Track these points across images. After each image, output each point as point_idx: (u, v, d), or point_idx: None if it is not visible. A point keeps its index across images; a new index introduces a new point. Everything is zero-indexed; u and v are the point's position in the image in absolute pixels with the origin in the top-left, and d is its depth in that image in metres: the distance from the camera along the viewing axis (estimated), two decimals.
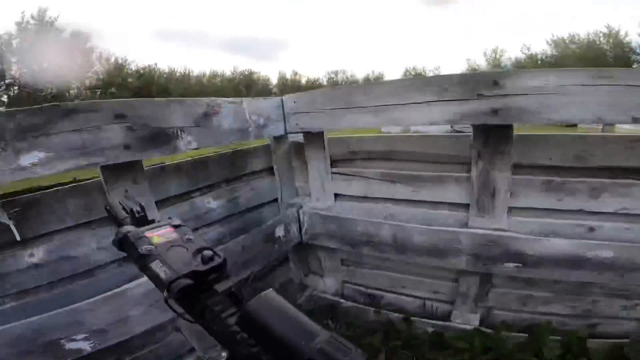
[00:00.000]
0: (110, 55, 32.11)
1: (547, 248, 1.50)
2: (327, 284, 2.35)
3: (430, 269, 1.92)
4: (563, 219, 1.64)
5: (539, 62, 35.55)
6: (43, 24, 26.91)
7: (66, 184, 1.37)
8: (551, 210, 1.65)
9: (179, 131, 1.47)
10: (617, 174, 1.51)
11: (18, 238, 1.23)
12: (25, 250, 1.27)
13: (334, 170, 2.14)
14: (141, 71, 34.59)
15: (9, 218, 1.20)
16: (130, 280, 1.38)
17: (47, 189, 1.31)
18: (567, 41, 33.26)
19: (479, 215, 1.73)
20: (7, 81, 25.87)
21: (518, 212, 1.71)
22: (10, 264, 1.25)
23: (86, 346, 1.24)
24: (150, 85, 34.22)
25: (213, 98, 1.62)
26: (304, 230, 2.13)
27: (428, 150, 1.84)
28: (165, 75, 36.08)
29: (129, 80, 32.32)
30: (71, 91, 28.35)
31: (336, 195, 2.20)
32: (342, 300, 2.16)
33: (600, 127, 10.14)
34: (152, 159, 1.51)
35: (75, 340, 1.21)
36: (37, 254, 1.29)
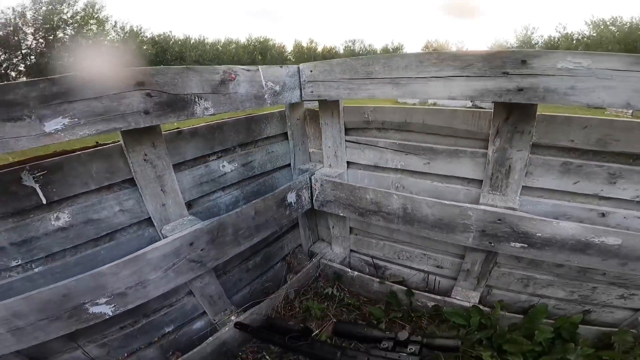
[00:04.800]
0: (125, 23, 31.85)
1: (555, 230, 1.49)
2: (335, 252, 2.42)
3: (436, 242, 1.94)
4: (576, 202, 1.63)
5: (574, 42, 33.41)
6: None
7: (87, 148, 1.40)
8: (565, 192, 1.63)
9: (196, 97, 1.48)
10: (638, 160, 1.48)
11: (44, 201, 1.28)
12: (51, 214, 1.33)
13: (348, 138, 2.14)
14: (156, 39, 34.15)
15: (35, 181, 1.25)
16: (148, 244, 1.44)
17: (70, 153, 1.35)
18: (607, 23, 30.95)
19: (490, 192, 1.73)
20: (23, 51, 25.93)
21: (531, 192, 1.70)
22: (37, 227, 1.30)
23: (107, 310, 1.32)
24: (165, 52, 33.90)
25: (230, 65, 1.61)
26: (315, 196, 2.16)
27: (445, 124, 1.81)
28: (179, 42, 35.52)
29: (144, 47, 32.01)
30: (86, 59, 28.29)
31: (348, 163, 2.22)
32: (348, 270, 2.22)
33: (630, 112, 9.70)
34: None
35: (98, 304, 1.29)
36: (62, 217, 1.35)
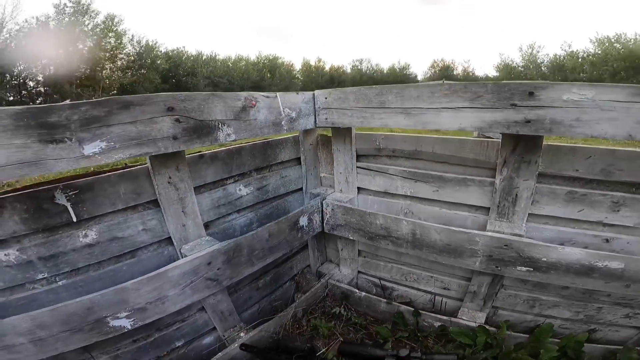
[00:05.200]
0: (141, 37, 32.82)
1: (560, 255, 1.54)
2: (343, 273, 2.46)
3: (443, 265, 1.99)
4: (580, 228, 1.68)
5: (580, 60, 33.69)
6: (79, 6, 27.50)
7: (117, 169, 1.48)
8: (570, 220, 1.68)
9: (220, 123, 1.55)
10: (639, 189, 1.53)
11: (74, 219, 1.35)
12: (80, 231, 1.39)
13: (359, 164, 2.21)
14: (170, 53, 35.09)
15: (67, 200, 1.32)
16: (168, 262, 1.51)
17: (100, 174, 1.43)
18: (612, 40, 31.27)
19: (498, 219, 1.78)
20: (43, 61, 26.72)
21: (537, 218, 1.75)
22: (65, 243, 1.36)
23: (127, 324, 1.36)
24: (178, 67, 34.74)
25: (250, 92, 1.68)
26: (325, 220, 2.22)
27: (454, 153, 1.88)
28: (192, 58, 36.42)
29: (158, 62, 32.85)
30: (104, 72, 29.05)
31: (359, 188, 2.28)
32: (356, 290, 2.25)
33: None
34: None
35: (118, 317, 1.33)
36: (90, 234, 1.42)
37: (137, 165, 1.53)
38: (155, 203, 1.57)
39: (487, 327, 1.82)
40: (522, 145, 1.59)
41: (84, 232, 1.40)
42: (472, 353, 1.74)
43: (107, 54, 29.00)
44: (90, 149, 1.18)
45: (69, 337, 1.22)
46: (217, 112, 1.54)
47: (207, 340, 1.88)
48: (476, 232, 1.71)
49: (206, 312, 1.81)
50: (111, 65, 29.96)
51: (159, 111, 1.34)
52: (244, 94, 1.66)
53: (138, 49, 31.80)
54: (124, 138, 1.26)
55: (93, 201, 1.39)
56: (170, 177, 1.55)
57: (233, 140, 1.62)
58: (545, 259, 1.57)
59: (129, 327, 1.36)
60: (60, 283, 1.39)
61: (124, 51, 30.68)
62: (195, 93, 1.46)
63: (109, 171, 1.46)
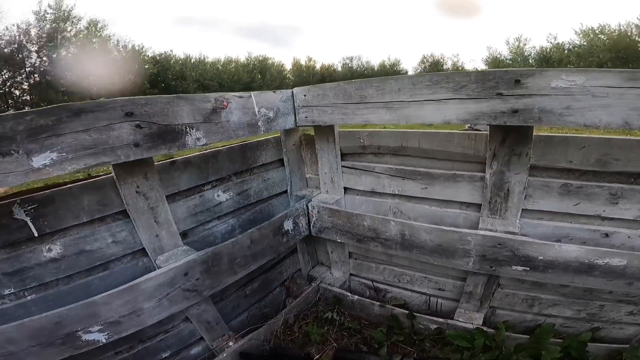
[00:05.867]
0: (126, 42, 32.46)
1: (557, 253, 1.46)
2: (334, 276, 2.38)
3: (436, 267, 1.90)
4: (578, 223, 1.60)
5: (566, 51, 33.93)
6: (60, 12, 27.13)
7: (79, 180, 1.40)
8: (566, 214, 1.60)
9: (187, 127, 1.47)
10: (639, 180, 1.45)
11: (35, 234, 1.28)
12: (43, 245, 1.32)
13: (344, 163, 2.13)
14: (157, 57, 34.76)
15: (26, 215, 1.25)
16: (145, 274, 1.42)
17: (61, 185, 1.34)
18: (596, 31, 31.53)
19: (490, 216, 1.70)
20: (27, 69, 26.38)
21: (531, 214, 1.67)
22: (29, 258, 1.29)
23: (101, 337, 1.29)
24: (166, 71, 34.46)
25: (221, 93, 1.61)
26: (312, 223, 2.14)
27: (441, 147, 1.80)
28: (180, 62, 36.10)
29: (146, 66, 32.54)
30: (90, 77, 28.76)
31: (345, 188, 2.20)
32: (348, 294, 2.18)
33: None
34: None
35: (91, 332, 1.26)
36: (54, 248, 1.34)
37: (101, 176, 1.44)
38: (124, 214, 1.49)
39: (485, 328, 1.74)
40: (512, 137, 1.52)
41: (47, 247, 1.33)
42: (470, 356, 1.67)
43: (93, 60, 28.64)
44: (40, 160, 1.10)
45: (40, 351, 1.17)
46: (183, 116, 1.45)
47: (195, 350, 1.81)
48: (467, 231, 1.64)
49: (191, 322, 1.73)
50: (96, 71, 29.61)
51: (116, 117, 1.26)
52: (213, 95, 1.58)
53: (124, 54, 31.50)
54: (78, 148, 1.17)
55: (54, 215, 1.31)
56: (138, 186, 1.47)
57: (204, 145, 1.54)
58: (541, 258, 1.49)
59: (104, 341, 1.31)
60: (29, 298, 1.33)
61: (110, 57, 30.36)
62: (158, 96, 1.38)
63: (71, 182, 1.37)
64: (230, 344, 1.77)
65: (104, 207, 1.43)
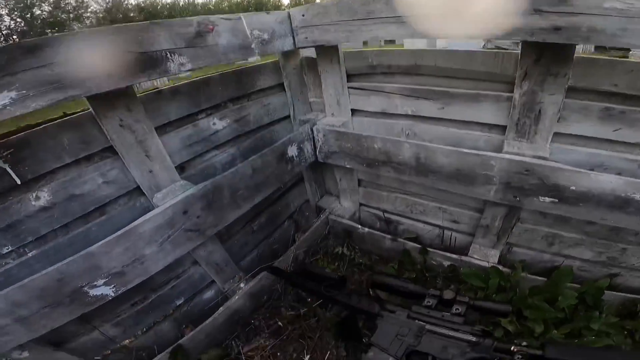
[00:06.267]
0: None
1: (592, 183, 1.30)
2: (343, 206, 2.31)
3: (452, 195, 1.76)
4: (614, 151, 1.41)
5: None
6: None
7: (56, 119, 1.27)
8: (602, 140, 1.41)
9: (168, 53, 1.30)
10: None
11: (18, 182, 1.18)
12: (29, 194, 1.23)
13: (351, 85, 1.94)
14: (142, 5, 32.29)
15: (4, 161, 1.14)
16: (143, 214, 1.35)
17: (35, 127, 1.22)
18: None
19: (516, 139, 1.51)
20: (4, 32, 25.08)
21: (563, 139, 1.48)
22: (18, 210, 1.21)
23: (108, 291, 1.26)
24: (155, 18, 32.33)
25: (205, 16, 1.42)
26: (318, 148, 2.01)
27: (461, 66, 1.58)
28: (168, 6, 33.46)
29: (131, 15, 30.35)
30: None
31: (353, 110, 2.03)
32: (358, 226, 2.11)
33: None
34: None
35: (96, 286, 1.22)
36: (42, 196, 1.26)
37: (78, 112, 1.31)
38: (111, 150, 1.38)
39: (500, 267, 1.67)
40: (548, 56, 1.28)
41: (34, 195, 1.24)
42: (484, 296, 1.62)
43: (71, 15, 26.96)
44: None
45: (52, 312, 1.14)
46: (161, 42, 1.28)
47: (208, 294, 1.82)
48: (491, 154, 1.47)
49: (200, 266, 1.72)
50: (79, 25, 28.09)
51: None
52: (196, 18, 1.39)
53: (105, 5, 29.48)
54: (40, 83, 1.03)
55: (34, 158, 1.21)
56: (121, 120, 1.33)
57: (190, 70, 1.39)
58: (573, 188, 1.33)
59: (112, 294, 1.27)
60: (30, 254, 1.28)
61: (89, 9, 28.58)
62: (129, 24, 1.22)
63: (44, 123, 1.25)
64: (242, 285, 1.78)
65: (87, 145, 1.31)
